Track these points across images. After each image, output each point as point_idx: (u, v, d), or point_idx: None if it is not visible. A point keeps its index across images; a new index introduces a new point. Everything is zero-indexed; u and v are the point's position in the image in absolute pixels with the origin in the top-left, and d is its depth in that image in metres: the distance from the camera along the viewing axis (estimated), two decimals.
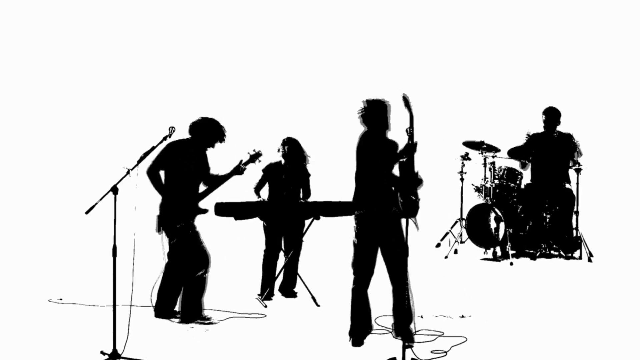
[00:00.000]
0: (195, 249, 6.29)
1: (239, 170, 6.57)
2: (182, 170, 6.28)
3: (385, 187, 5.56)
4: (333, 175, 10.47)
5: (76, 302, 6.96)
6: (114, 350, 5.16)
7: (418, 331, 5.91)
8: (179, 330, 6.12)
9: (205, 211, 6.39)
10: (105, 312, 6.30)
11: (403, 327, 5.57)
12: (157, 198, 6.36)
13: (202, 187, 6.48)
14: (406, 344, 5.15)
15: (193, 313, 6.26)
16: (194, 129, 6.39)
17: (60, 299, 7.06)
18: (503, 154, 9.59)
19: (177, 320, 6.28)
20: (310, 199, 7.41)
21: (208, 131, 6.38)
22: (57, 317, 6.48)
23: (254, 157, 6.66)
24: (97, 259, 8.01)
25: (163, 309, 6.38)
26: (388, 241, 5.63)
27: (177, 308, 6.42)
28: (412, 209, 5.47)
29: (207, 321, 6.27)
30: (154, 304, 6.40)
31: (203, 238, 6.38)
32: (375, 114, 5.75)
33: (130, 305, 5.51)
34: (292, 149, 7.32)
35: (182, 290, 6.32)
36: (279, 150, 7.36)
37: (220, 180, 6.50)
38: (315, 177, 7.60)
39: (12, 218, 10.74)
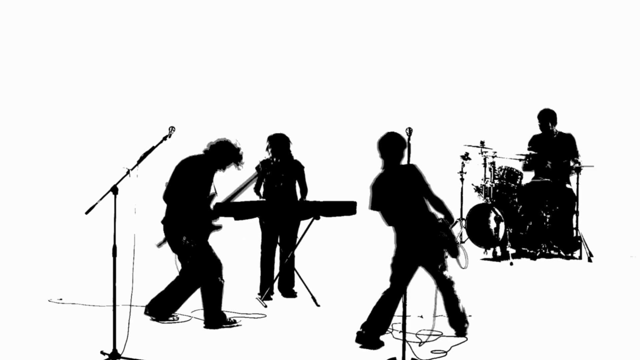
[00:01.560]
0: (207, 256, 6.27)
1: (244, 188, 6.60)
2: (192, 187, 6.26)
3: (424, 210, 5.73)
4: (333, 175, 10.49)
5: (76, 302, 6.96)
6: (114, 350, 5.16)
7: (419, 332, 5.93)
8: (179, 331, 6.12)
9: (219, 228, 6.38)
10: (105, 312, 6.29)
11: (459, 325, 5.83)
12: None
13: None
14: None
15: (217, 318, 6.23)
16: (212, 150, 6.37)
17: (60, 299, 7.06)
18: (503, 154, 9.58)
19: (204, 325, 6.24)
20: (309, 199, 7.40)
21: (225, 155, 6.37)
22: (57, 317, 6.48)
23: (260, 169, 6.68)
24: (97, 259, 8.01)
25: (159, 309, 6.36)
26: (430, 258, 5.78)
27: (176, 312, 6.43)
28: (452, 247, 5.73)
29: (234, 324, 6.26)
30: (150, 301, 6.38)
31: (212, 246, 6.36)
32: (393, 147, 5.82)
33: (130, 305, 5.51)
34: (277, 144, 7.32)
35: (202, 297, 6.28)
36: (267, 149, 7.38)
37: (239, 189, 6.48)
38: (316, 177, 7.60)
39: (12, 218, 10.74)
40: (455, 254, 5.72)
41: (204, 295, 6.27)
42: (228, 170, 6.43)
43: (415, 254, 5.68)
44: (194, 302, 6.88)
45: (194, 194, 6.23)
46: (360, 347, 5.59)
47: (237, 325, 6.25)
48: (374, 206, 5.79)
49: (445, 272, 5.79)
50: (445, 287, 5.83)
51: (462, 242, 9.73)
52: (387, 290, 5.73)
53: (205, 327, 6.21)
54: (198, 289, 6.31)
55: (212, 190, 6.38)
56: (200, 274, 6.26)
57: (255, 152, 7.37)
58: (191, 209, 6.22)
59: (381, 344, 5.63)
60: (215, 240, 6.62)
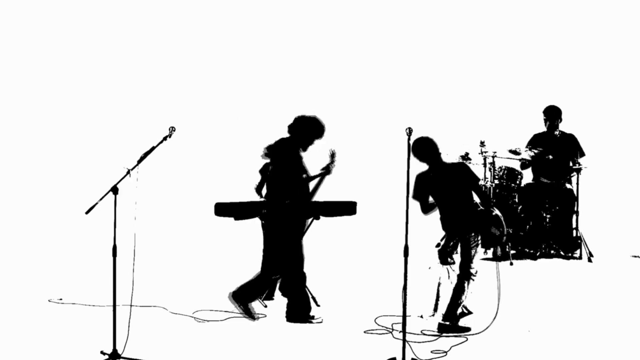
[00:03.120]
0: (297, 248, 6.30)
1: (328, 170, 6.55)
2: (284, 172, 6.30)
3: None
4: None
5: (76, 302, 6.96)
6: (114, 350, 5.16)
7: (422, 331, 5.93)
8: (179, 330, 6.12)
9: (317, 217, 6.40)
10: (105, 312, 6.29)
11: (451, 318, 6.06)
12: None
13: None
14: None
15: (301, 312, 6.27)
16: (295, 128, 6.38)
17: (60, 299, 7.06)
18: (503, 154, 9.58)
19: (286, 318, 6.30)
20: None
21: (309, 129, 6.38)
22: (57, 317, 6.48)
23: (332, 156, 6.65)
24: (97, 259, 8.02)
25: (243, 296, 6.36)
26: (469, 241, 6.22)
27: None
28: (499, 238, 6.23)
29: (316, 321, 6.27)
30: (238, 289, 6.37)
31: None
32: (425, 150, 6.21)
33: (130, 305, 5.51)
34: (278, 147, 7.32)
35: (289, 291, 6.32)
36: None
37: (317, 183, 6.50)
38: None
39: (12, 218, 10.74)
40: (498, 243, 6.32)
41: (290, 289, 6.29)
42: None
43: (461, 234, 6.13)
44: (195, 302, 6.88)
45: (292, 178, 6.30)
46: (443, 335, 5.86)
47: (319, 322, 6.25)
48: (416, 196, 6.15)
49: (472, 263, 6.15)
50: (464, 277, 6.13)
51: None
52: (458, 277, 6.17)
53: (287, 320, 6.23)
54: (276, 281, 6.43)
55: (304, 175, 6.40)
56: (285, 264, 6.28)
57: (255, 152, 7.36)
58: (292, 192, 6.29)
59: (467, 329, 5.98)
60: (215, 240, 6.62)
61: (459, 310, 6.12)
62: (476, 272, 6.19)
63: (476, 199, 6.22)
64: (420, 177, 6.18)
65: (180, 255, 9.45)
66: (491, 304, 6.93)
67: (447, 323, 6.00)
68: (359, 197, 7.33)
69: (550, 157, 9.30)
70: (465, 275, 6.16)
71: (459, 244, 6.22)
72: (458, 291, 6.13)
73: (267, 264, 6.40)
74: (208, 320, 6.39)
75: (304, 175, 6.39)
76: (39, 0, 11.42)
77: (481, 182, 9.49)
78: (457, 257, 6.31)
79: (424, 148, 6.15)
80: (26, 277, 8.13)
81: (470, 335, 5.92)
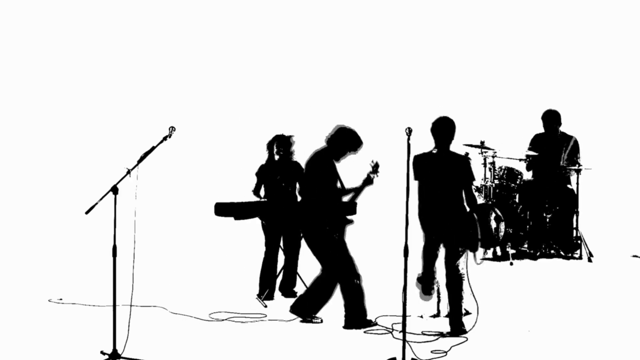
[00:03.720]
0: (344, 254, 6.28)
1: (369, 180, 6.53)
2: (322, 181, 6.31)
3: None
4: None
5: (76, 302, 6.96)
6: (114, 350, 5.16)
7: (422, 332, 5.94)
8: (179, 331, 6.12)
9: (351, 222, 6.39)
10: (105, 312, 6.30)
11: (457, 324, 5.99)
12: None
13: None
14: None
15: (357, 319, 6.22)
16: (332, 141, 6.39)
17: (60, 299, 7.06)
18: (504, 154, 9.58)
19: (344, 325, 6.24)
20: None
21: (345, 141, 6.39)
22: (57, 317, 6.48)
23: (375, 166, 6.65)
24: (97, 259, 8.02)
25: (303, 308, 6.36)
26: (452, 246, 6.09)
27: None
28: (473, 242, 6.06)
29: (372, 325, 6.24)
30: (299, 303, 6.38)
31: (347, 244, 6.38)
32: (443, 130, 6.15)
33: (130, 305, 5.51)
34: (279, 145, 7.34)
35: (342, 297, 6.27)
36: (267, 149, 7.39)
37: (355, 192, 6.48)
38: None
39: (12, 218, 10.74)
40: (474, 248, 6.03)
41: (343, 295, 6.26)
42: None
43: (440, 239, 6.02)
44: (195, 302, 6.89)
45: (325, 188, 6.29)
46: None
47: (376, 325, 6.21)
48: (417, 176, 6.12)
49: (459, 266, 6.02)
50: (455, 281, 6.02)
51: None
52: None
53: (344, 327, 6.18)
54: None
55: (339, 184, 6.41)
56: (337, 272, 6.25)
57: (255, 152, 7.38)
58: (325, 203, 6.28)
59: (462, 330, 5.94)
60: (215, 240, 6.63)
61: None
62: (463, 274, 6.06)
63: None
64: (419, 158, 6.12)
65: (180, 255, 9.45)
66: (491, 305, 6.93)
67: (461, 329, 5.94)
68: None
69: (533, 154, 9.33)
70: (456, 278, 6.05)
71: (441, 245, 6.10)
72: (457, 298, 6.01)
73: (326, 269, 6.35)
74: (208, 320, 6.39)
75: (339, 185, 6.40)
76: (39, 0, 11.41)
77: (481, 182, 9.51)
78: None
79: (445, 127, 6.09)
80: (26, 277, 8.13)
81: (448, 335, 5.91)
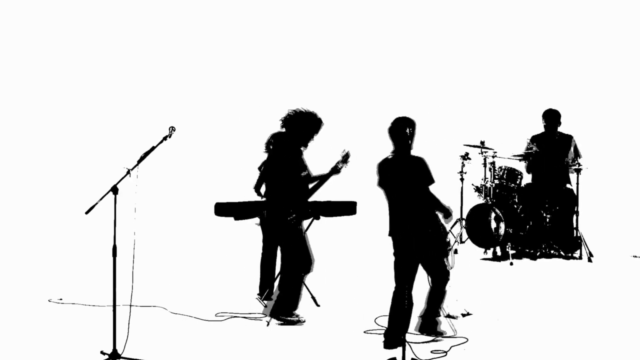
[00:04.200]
0: (303, 249, 6.28)
1: (336, 169, 6.50)
2: (283, 168, 6.28)
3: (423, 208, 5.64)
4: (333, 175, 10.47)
5: (76, 302, 6.96)
6: (114, 350, 5.16)
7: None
8: (179, 331, 6.12)
9: (317, 217, 6.38)
10: (105, 312, 6.29)
11: (431, 324, 5.84)
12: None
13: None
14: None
15: (285, 311, 6.23)
16: (288, 124, 6.34)
17: (60, 299, 7.06)
18: (503, 154, 9.58)
19: (269, 318, 6.26)
20: (309, 199, 7.37)
21: (308, 125, 6.34)
22: (57, 317, 6.48)
23: (345, 157, 6.62)
24: (97, 259, 8.01)
25: (282, 310, 6.33)
26: (428, 256, 5.72)
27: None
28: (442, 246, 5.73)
29: (297, 320, 6.26)
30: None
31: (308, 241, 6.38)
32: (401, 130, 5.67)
33: (130, 305, 5.51)
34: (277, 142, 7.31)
35: (280, 287, 6.30)
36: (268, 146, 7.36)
37: (320, 180, 6.45)
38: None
39: (12, 218, 10.74)
40: (444, 254, 5.73)
41: (283, 286, 6.28)
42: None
43: (412, 250, 5.60)
44: (195, 302, 6.88)
45: (288, 174, 6.26)
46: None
47: (301, 323, 6.23)
48: (380, 184, 5.72)
49: (444, 265, 5.76)
50: (439, 280, 5.77)
51: (462, 242, 9.73)
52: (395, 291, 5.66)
53: (270, 315, 6.20)
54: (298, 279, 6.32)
55: (304, 172, 6.36)
56: (290, 263, 6.28)
57: (255, 152, 7.37)
58: (289, 190, 6.25)
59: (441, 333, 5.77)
60: (215, 240, 6.62)
61: (446, 313, 5.99)
62: (448, 274, 5.78)
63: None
64: (381, 164, 5.70)
65: (180, 255, 9.44)
66: (491, 305, 6.94)
67: (425, 334, 5.78)
68: (359, 197, 7.34)
69: (535, 147, 9.28)
70: (440, 278, 5.77)
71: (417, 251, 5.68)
72: (437, 299, 5.80)
73: (285, 265, 6.35)
74: (208, 320, 6.39)
75: (304, 173, 6.36)
76: (39, 0, 11.41)
77: (481, 182, 9.50)
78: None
79: (401, 128, 5.60)
80: (26, 277, 8.12)
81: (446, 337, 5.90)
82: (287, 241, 6.30)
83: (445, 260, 5.73)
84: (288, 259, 6.31)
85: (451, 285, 5.87)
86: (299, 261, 6.28)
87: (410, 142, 5.64)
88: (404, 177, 5.58)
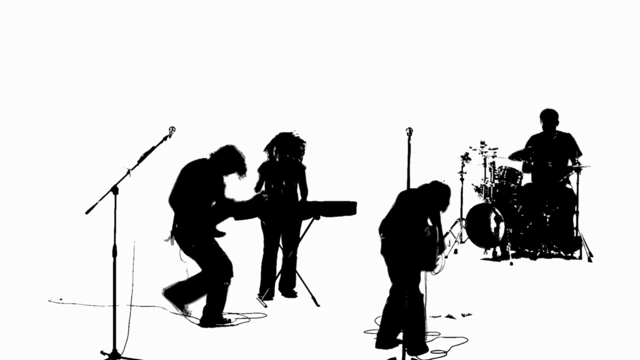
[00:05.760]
0: (219, 258, 6.29)
1: (260, 199, 6.63)
2: (197, 191, 6.29)
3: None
4: (333, 175, 10.49)
5: (76, 302, 6.96)
6: (114, 350, 5.16)
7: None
8: (179, 331, 6.12)
9: (222, 234, 6.40)
10: (105, 312, 6.29)
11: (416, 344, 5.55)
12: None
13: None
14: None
15: (213, 319, 6.26)
16: (216, 157, 6.38)
17: (60, 299, 7.06)
18: (504, 154, 9.58)
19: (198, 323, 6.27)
20: (310, 199, 7.38)
21: (230, 162, 6.38)
22: (57, 317, 6.48)
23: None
24: (97, 259, 8.01)
25: (177, 295, 6.40)
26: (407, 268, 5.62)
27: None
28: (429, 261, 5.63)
29: (229, 320, 6.29)
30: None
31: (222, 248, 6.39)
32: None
33: (130, 305, 5.51)
34: (282, 143, 7.32)
35: (206, 297, 6.31)
36: (272, 148, 7.37)
37: (239, 207, 6.51)
38: (315, 176, 7.60)
39: (12, 218, 10.74)
40: (430, 268, 5.63)
41: (208, 293, 6.28)
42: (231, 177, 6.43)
43: (398, 262, 5.58)
44: (195, 303, 6.87)
45: (200, 198, 6.26)
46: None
47: (230, 325, 6.24)
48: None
49: (416, 286, 5.58)
50: (415, 301, 5.55)
51: (462, 242, 9.72)
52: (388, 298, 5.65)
53: (200, 325, 6.21)
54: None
55: (229, 196, 6.41)
56: (210, 276, 6.28)
57: (255, 152, 7.37)
58: (197, 214, 6.24)
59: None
60: (216, 239, 6.62)
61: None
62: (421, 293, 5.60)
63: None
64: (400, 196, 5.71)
65: (181, 255, 9.42)
66: (490, 305, 6.94)
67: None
68: (359, 197, 7.34)
69: (550, 164, 9.31)
70: (417, 300, 5.54)
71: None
72: (418, 319, 5.50)
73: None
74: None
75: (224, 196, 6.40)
76: (40, 0, 11.41)
77: (481, 182, 9.51)
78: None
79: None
80: (26, 277, 8.12)
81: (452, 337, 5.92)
82: (200, 258, 6.31)
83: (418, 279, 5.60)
84: (208, 272, 6.30)
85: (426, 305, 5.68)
86: (219, 271, 6.27)
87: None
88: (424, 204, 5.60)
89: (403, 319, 5.37)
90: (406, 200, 5.59)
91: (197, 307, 6.38)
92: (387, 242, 5.62)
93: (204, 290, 6.35)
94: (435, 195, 5.66)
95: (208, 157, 6.42)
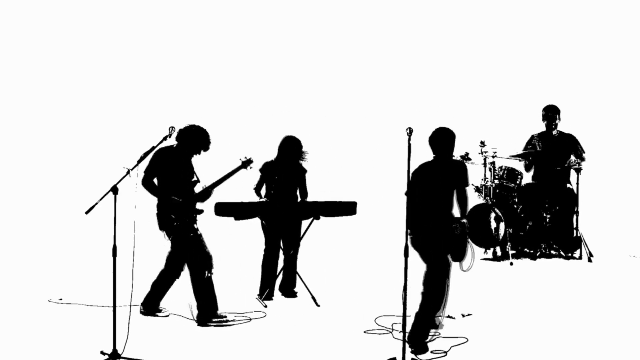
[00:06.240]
0: (199, 251, 6.30)
1: (233, 174, 6.61)
2: (170, 175, 6.32)
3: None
4: (333, 175, 10.49)
5: (76, 302, 6.96)
6: (114, 350, 5.16)
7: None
8: (178, 331, 6.12)
9: (201, 211, 6.42)
10: (105, 312, 6.30)
11: (420, 338, 5.62)
12: (156, 199, 6.37)
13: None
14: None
15: (208, 314, 6.26)
16: (180, 136, 6.40)
17: (60, 299, 7.06)
18: (504, 154, 9.58)
19: (195, 321, 6.28)
20: (309, 199, 7.40)
21: (194, 139, 6.41)
22: (57, 317, 6.48)
23: (245, 163, 6.68)
24: (97, 259, 8.02)
25: (150, 306, 6.44)
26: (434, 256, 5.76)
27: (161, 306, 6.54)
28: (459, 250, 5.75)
29: (223, 320, 6.27)
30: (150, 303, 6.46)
31: (205, 239, 6.39)
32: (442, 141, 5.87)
33: (130, 305, 5.51)
34: (286, 146, 7.34)
35: (193, 293, 6.31)
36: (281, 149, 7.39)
37: (214, 184, 6.52)
38: (315, 177, 7.60)
39: (12, 218, 10.74)
40: (459, 258, 5.72)
41: (195, 291, 6.30)
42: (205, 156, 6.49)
43: (423, 250, 5.70)
44: (194, 303, 6.87)
45: (180, 182, 6.33)
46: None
47: (227, 324, 6.24)
48: (409, 192, 5.57)
49: (444, 277, 5.71)
50: (436, 291, 5.71)
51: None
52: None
53: (198, 324, 6.21)
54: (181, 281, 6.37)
55: (194, 177, 6.47)
56: (190, 268, 6.31)
57: (255, 152, 7.37)
58: (178, 195, 6.29)
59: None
60: (215, 240, 6.62)
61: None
62: (448, 286, 5.76)
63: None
64: (416, 172, 5.81)
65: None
66: (490, 305, 6.94)
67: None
68: (359, 197, 7.34)
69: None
70: (438, 285, 5.72)
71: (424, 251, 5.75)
72: (431, 309, 5.67)
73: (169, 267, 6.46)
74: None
75: (194, 180, 6.47)
76: (40, 0, 11.41)
77: (481, 182, 9.51)
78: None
79: (443, 139, 5.82)
80: (26, 277, 8.13)
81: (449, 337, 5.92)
82: (181, 246, 6.34)
83: (447, 268, 5.72)
84: (188, 264, 6.33)
85: (449, 285, 5.84)
86: (199, 262, 6.28)
87: (451, 149, 5.87)
88: (443, 178, 5.73)
89: (419, 313, 5.52)
90: (425, 174, 5.74)
91: (187, 308, 6.39)
92: (416, 233, 5.68)
93: (169, 284, 6.44)
94: (443, 139, 5.82)
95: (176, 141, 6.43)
